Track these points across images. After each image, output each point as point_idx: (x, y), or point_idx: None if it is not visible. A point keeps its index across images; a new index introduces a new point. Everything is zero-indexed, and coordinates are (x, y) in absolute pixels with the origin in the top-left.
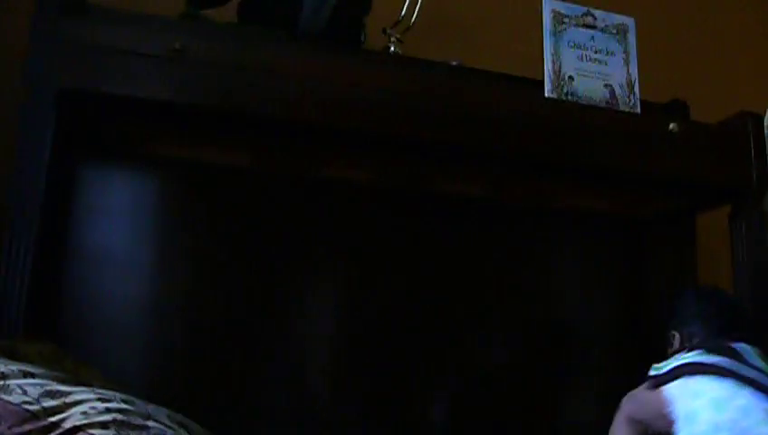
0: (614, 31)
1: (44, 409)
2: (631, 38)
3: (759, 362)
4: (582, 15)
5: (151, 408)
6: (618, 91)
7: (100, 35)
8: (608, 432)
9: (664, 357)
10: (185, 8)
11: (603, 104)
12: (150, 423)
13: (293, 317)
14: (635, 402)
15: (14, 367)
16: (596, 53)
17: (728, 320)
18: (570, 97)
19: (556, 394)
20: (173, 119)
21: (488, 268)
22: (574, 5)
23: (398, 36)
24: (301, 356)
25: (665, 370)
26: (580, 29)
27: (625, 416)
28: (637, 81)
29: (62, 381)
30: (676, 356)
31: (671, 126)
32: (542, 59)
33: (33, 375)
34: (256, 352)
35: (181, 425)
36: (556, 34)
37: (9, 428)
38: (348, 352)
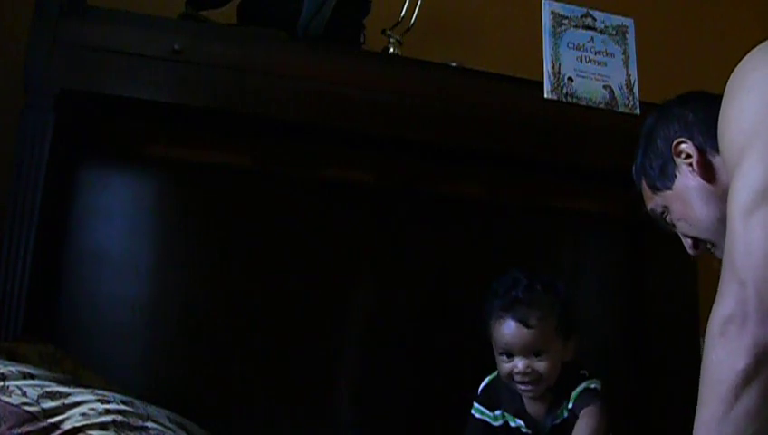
0: (613, 32)
1: (44, 410)
2: (630, 39)
3: None
4: (582, 17)
5: (151, 409)
6: (617, 92)
7: (99, 36)
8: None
9: (664, 356)
10: (185, 9)
11: (603, 105)
12: (150, 424)
13: (293, 317)
14: None
15: (14, 368)
16: (595, 54)
17: None
18: (569, 98)
19: None
20: (173, 120)
21: (488, 268)
22: (574, 7)
23: (398, 37)
24: (300, 356)
25: None
26: (580, 30)
27: None
28: (636, 82)
29: (62, 383)
30: None
31: None
32: (542, 60)
33: (32, 376)
34: (255, 353)
35: (180, 426)
36: (555, 36)
37: (9, 429)
38: (346, 350)
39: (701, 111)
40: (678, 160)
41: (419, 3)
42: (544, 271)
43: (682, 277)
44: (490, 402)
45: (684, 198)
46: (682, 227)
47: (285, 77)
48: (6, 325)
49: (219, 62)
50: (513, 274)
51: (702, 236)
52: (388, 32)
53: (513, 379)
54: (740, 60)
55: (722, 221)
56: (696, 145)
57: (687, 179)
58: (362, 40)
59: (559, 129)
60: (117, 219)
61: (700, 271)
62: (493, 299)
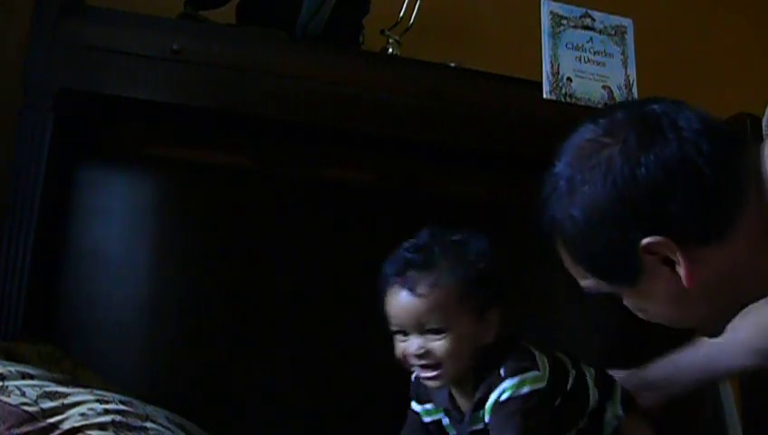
0: (612, 32)
1: (43, 410)
2: (629, 39)
3: None
4: (581, 17)
5: (150, 409)
6: (616, 92)
7: (99, 36)
8: None
9: (662, 356)
10: (183, 9)
11: (601, 105)
12: (149, 425)
13: (293, 317)
14: None
15: (13, 368)
16: (594, 54)
17: None
18: (568, 98)
19: None
20: (172, 120)
21: None
22: (573, 7)
23: (397, 38)
24: (300, 356)
25: None
26: (579, 30)
27: None
28: (635, 82)
29: (61, 383)
30: None
31: None
32: (541, 60)
33: (31, 377)
34: (255, 353)
35: (179, 426)
36: (554, 36)
37: (8, 429)
38: (347, 349)
39: (673, 161)
40: (648, 259)
41: (418, 3)
42: (542, 271)
43: None
44: (419, 395)
45: (650, 298)
46: (642, 316)
47: (284, 77)
48: (5, 325)
49: (218, 62)
50: (421, 233)
51: (670, 325)
52: (387, 32)
53: (408, 363)
54: (738, 60)
55: (708, 318)
56: (678, 242)
57: (663, 283)
58: (361, 40)
59: (558, 129)
60: (116, 219)
61: None
62: (387, 265)
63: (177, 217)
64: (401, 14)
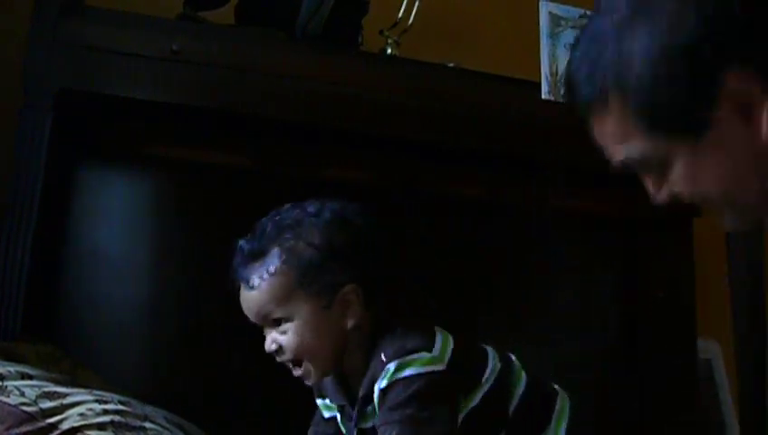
0: None
1: (42, 410)
2: None
3: None
4: (579, 18)
5: (149, 409)
6: None
7: (98, 37)
8: None
9: (661, 356)
10: (183, 10)
11: None
12: (147, 425)
13: None
14: None
15: (12, 368)
16: None
17: None
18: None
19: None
20: (172, 120)
21: (486, 268)
22: (571, 8)
23: (396, 38)
24: None
25: None
26: (577, 31)
27: None
28: None
29: (60, 383)
30: None
31: None
32: (539, 61)
33: (30, 377)
34: (254, 354)
35: (178, 426)
36: (553, 37)
37: (7, 429)
38: None
39: None
40: (725, 105)
41: (417, 4)
42: (542, 271)
43: (679, 278)
44: (319, 389)
45: (711, 160)
46: (687, 192)
47: (284, 77)
48: (5, 325)
49: (217, 63)
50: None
51: (725, 204)
52: (386, 32)
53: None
54: None
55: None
56: (763, 81)
57: (731, 137)
58: (360, 40)
59: (556, 129)
60: (116, 219)
61: (697, 271)
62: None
63: (177, 217)
64: (400, 14)
